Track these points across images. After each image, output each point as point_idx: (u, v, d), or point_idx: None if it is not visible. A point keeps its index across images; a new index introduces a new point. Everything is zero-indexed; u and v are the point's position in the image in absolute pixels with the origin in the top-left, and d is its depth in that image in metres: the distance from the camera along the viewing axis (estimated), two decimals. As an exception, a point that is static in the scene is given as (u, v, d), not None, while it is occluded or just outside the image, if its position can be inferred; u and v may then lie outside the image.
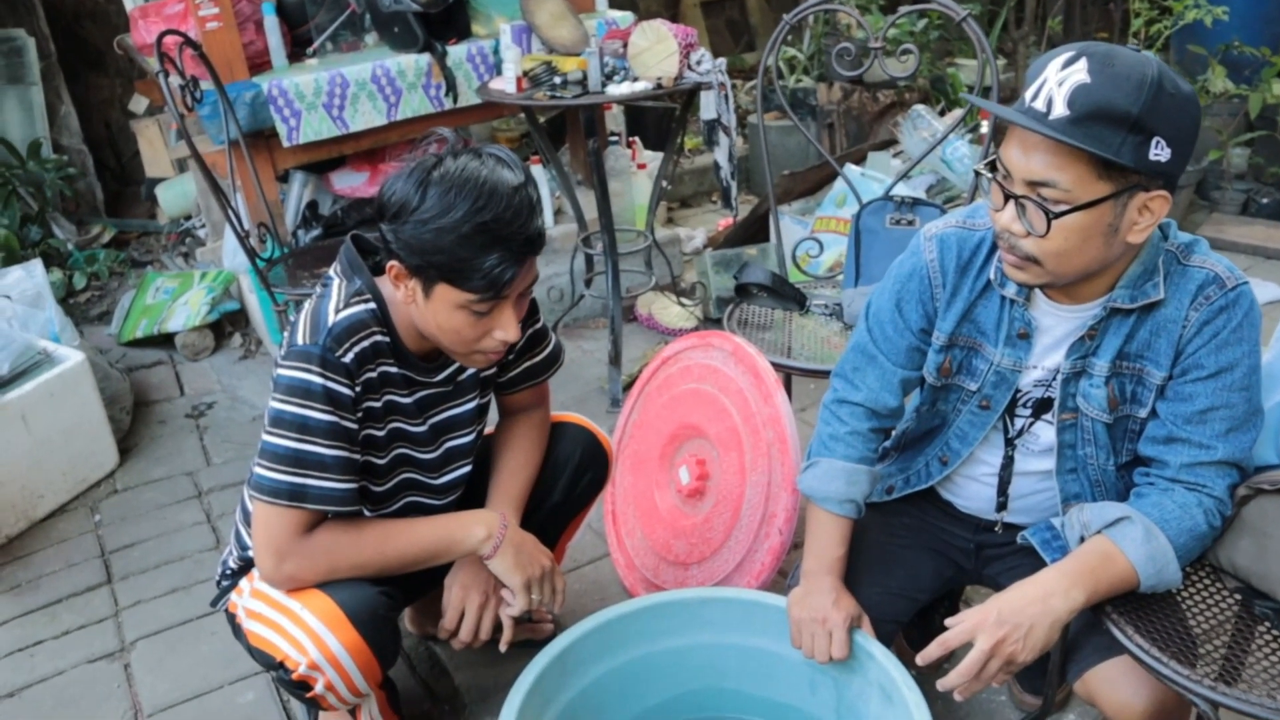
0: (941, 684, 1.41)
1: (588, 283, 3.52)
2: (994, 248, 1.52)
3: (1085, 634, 1.53)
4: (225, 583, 1.79)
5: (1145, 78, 1.24)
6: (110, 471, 3.00)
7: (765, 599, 1.70)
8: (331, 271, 1.63)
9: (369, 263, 1.63)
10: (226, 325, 3.83)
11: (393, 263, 1.50)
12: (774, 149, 4.55)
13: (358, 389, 1.56)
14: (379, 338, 1.58)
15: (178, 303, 3.77)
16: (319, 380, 1.50)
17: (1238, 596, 1.42)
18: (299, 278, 2.87)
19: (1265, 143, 4.18)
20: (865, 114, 4.68)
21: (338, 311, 1.54)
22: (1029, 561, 1.59)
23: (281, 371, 1.52)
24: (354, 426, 1.56)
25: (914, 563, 1.74)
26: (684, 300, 3.61)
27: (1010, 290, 1.49)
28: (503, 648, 1.74)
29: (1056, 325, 1.49)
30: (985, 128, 4.17)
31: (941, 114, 4.15)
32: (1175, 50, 4.72)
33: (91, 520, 2.80)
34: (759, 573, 1.97)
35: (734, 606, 1.72)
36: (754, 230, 3.84)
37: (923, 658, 1.43)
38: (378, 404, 1.62)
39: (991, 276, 1.51)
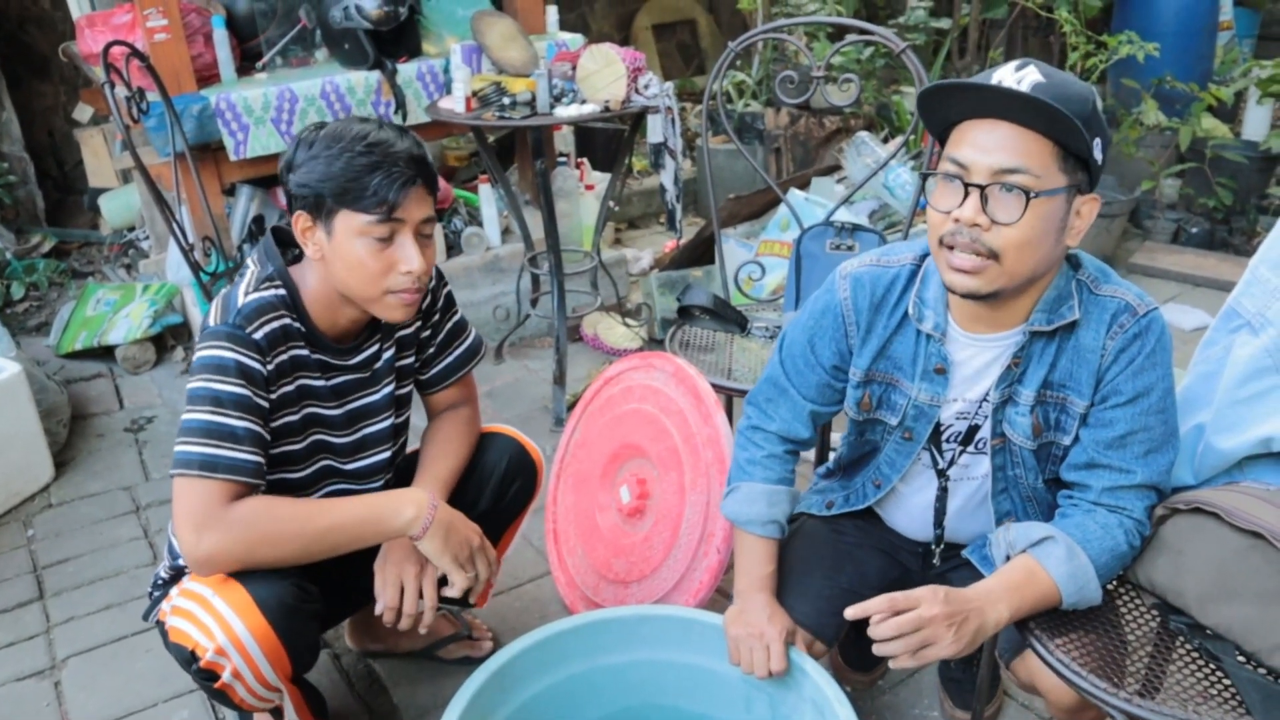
0: (852, 611, 1.42)
1: (534, 302, 3.54)
2: (909, 282, 1.56)
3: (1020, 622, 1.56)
4: (156, 593, 1.79)
5: (1084, 88, 1.35)
6: (45, 485, 2.96)
7: (702, 617, 1.72)
8: (249, 260, 1.68)
9: (288, 255, 1.70)
10: (169, 338, 3.79)
11: (298, 214, 1.58)
12: (722, 172, 4.61)
13: (270, 368, 1.60)
14: (288, 320, 1.63)
15: (119, 315, 3.73)
16: (230, 354, 1.56)
17: (1155, 612, 1.47)
18: (243, 292, 2.85)
19: (1195, 174, 4.32)
20: (811, 139, 4.76)
21: (246, 295, 1.61)
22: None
23: (198, 354, 1.59)
24: (264, 404, 1.60)
25: (863, 560, 1.78)
26: (629, 321, 3.64)
27: (927, 324, 1.53)
28: (423, 629, 1.74)
29: (974, 357, 1.53)
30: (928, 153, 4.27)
31: (885, 140, 4.24)
32: (1110, 83, 4.87)
33: (24, 535, 2.75)
34: (697, 591, 2.00)
35: (672, 624, 1.74)
36: (699, 252, 3.89)
37: (858, 610, 1.42)
38: (291, 388, 1.66)
39: (910, 310, 1.55)
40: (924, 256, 1.57)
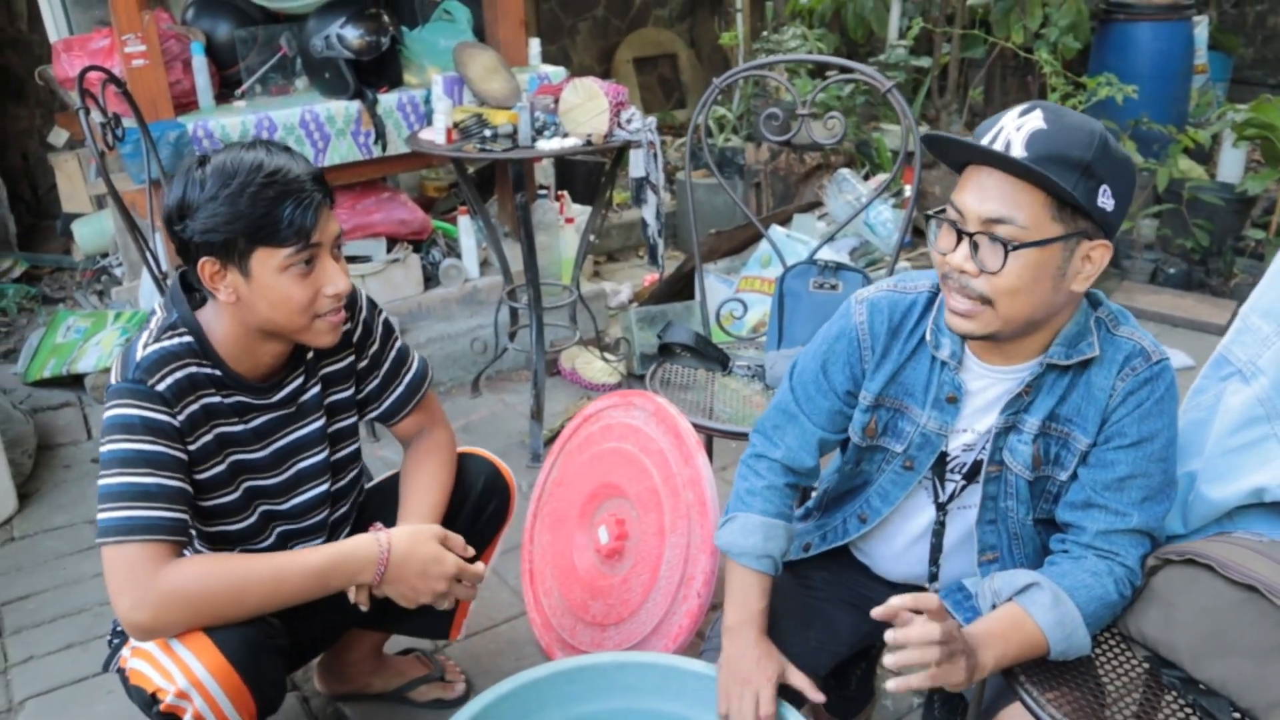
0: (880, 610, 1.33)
1: (512, 336, 3.51)
2: (926, 309, 1.56)
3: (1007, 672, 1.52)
4: (115, 640, 1.73)
5: (1094, 131, 1.33)
6: (8, 518, 2.88)
7: (682, 663, 1.68)
8: (156, 306, 1.64)
9: (195, 298, 1.64)
10: (139, 367, 3.72)
11: (204, 260, 1.52)
12: (702, 206, 4.61)
13: (181, 419, 1.55)
14: (195, 369, 1.58)
15: (89, 343, 3.66)
16: (133, 411, 1.51)
17: (1146, 665, 1.44)
18: (216, 322, 2.80)
19: (1172, 215, 4.35)
20: (792, 175, 4.77)
21: (146, 347, 1.55)
22: (947, 616, 1.62)
23: (104, 415, 1.53)
24: (181, 455, 1.55)
25: (832, 615, 1.75)
26: (608, 356, 3.61)
27: (944, 351, 1.52)
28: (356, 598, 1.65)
29: (988, 388, 1.52)
30: (909, 192, 4.28)
31: (866, 178, 4.25)
32: (1088, 124, 4.91)
33: (-15, 569, 2.68)
34: (676, 635, 1.96)
35: (651, 671, 1.69)
36: (679, 287, 3.87)
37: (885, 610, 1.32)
38: (209, 438, 1.61)
39: (927, 336, 1.55)
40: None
